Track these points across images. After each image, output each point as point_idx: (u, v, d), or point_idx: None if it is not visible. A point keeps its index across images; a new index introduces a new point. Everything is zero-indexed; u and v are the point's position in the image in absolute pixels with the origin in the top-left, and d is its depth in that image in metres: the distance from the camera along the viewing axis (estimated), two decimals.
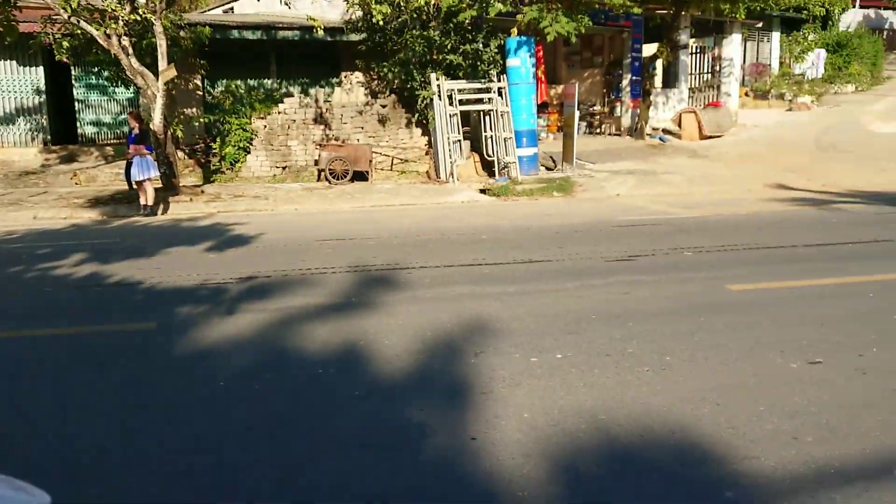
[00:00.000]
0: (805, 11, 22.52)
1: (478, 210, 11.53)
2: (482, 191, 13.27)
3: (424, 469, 3.15)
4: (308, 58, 17.07)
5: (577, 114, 15.06)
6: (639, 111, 19.31)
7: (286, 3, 12.38)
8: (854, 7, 35.22)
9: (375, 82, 16.62)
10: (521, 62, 14.35)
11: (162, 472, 3.13)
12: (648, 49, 19.80)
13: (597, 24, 17.05)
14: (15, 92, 16.40)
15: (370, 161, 14.96)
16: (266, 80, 17.06)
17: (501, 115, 14.32)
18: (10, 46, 14.23)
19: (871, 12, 38.14)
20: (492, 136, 14.48)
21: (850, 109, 23.68)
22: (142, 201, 11.34)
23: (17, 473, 1.65)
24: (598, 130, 20.26)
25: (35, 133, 16.69)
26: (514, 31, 14.18)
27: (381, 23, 12.76)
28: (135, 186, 11.61)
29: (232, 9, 21.97)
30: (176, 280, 6.50)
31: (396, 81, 15.71)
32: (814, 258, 7.23)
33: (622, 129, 19.78)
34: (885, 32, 37.18)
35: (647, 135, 19.08)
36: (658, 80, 21.49)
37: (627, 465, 3.14)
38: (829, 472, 3.04)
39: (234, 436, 3.45)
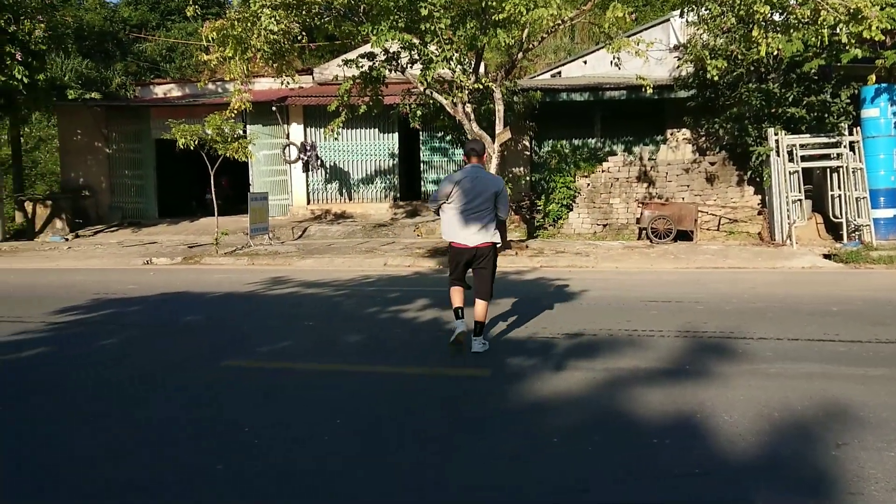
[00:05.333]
0: None
1: (822, 278, 10.30)
2: (826, 256, 11.86)
3: None
4: (632, 116, 17.10)
5: None
6: None
7: (616, 65, 12.57)
8: None
9: (703, 139, 16.03)
10: (880, 112, 12.68)
11: None
12: None
13: None
14: (374, 156, 19.04)
15: (695, 220, 14.35)
16: (590, 140, 17.43)
17: (853, 171, 12.74)
18: (373, 117, 16.59)
19: None
20: (840, 196, 12.95)
21: None
22: None
23: None
24: None
25: (388, 191, 19.14)
26: (872, 78, 12.62)
27: (714, 78, 12.28)
28: None
29: (560, 72, 23.00)
30: (505, 331, 6.80)
31: (727, 138, 14.98)
32: None
33: None
34: None
35: None
36: None
37: None
38: None
39: (571, 492, 3.41)
